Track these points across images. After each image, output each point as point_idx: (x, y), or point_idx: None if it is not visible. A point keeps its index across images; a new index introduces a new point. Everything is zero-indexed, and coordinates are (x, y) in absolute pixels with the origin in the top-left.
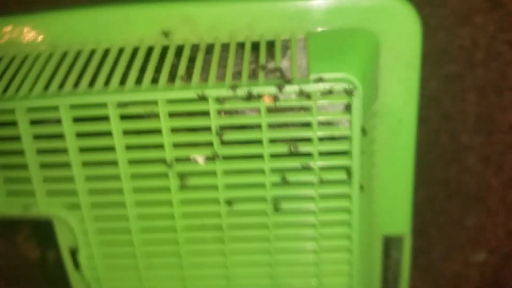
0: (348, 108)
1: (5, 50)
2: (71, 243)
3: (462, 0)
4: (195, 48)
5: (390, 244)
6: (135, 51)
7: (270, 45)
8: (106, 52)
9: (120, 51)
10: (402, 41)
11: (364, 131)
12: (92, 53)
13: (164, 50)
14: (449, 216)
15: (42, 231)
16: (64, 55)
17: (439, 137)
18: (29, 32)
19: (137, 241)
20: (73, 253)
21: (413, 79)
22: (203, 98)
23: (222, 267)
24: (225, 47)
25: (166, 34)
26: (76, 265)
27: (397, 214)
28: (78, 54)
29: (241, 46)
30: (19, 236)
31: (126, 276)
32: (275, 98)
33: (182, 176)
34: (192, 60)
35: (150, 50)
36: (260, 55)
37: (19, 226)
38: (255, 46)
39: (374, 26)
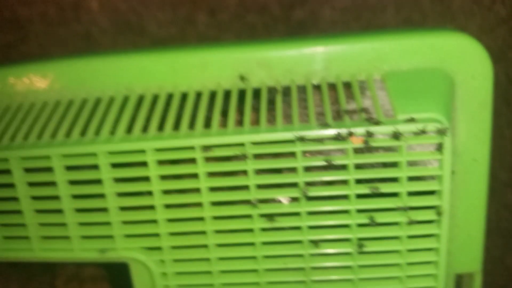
0: (439, 148)
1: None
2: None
3: (496, 36)
4: (272, 90)
5: (461, 282)
6: (213, 95)
7: (347, 86)
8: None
9: (198, 95)
10: (476, 81)
11: (453, 171)
12: (170, 97)
13: (242, 93)
14: (489, 253)
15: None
16: (140, 99)
17: None
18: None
19: (217, 285)
20: None
21: (486, 117)
22: (288, 140)
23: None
24: (302, 89)
25: (242, 78)
26: None
27: (470, 253)
28: (155, 99)
29: (317, 87)
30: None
31: None
32: (366, 138)
33: (267, 216)
34: (271, 103)
35: (228, 94)
36: (339, 95)
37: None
38: (332, 87)
39: (448, 67)
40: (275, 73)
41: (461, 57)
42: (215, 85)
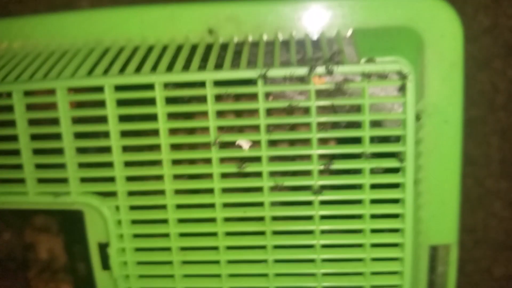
0: (401, 90)
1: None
2: (100, 237)
3: (481, 46)
4: (240, 44)
5: (436, 255)
6: (179, 48)
7: (315, 42)
8: (150, 49)
9: (165, 48)
10: (445, 41)
11: (418, 117)
12: (136, 49)
13: (209, 47)
14: (477, 264)
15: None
16: (107, 50)
17: (463, 182)
18: (75, 29)
19: (174, 234)
20: (102, 248)
21: (457, 78)
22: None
23: (264, 267)
24: (270, 44)
25: (211, 32)
26: (104, 261)
27: (444, 222)
28: (121, 49)
29: (285, 43)
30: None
31: (158, 273)
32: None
33: (227, 161)
34: (238, 53)
35: (195, 47)
36: (306, 46)
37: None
38: (300, 43)
39: (417, 26)
40: (244, 28)
41: (430, 16)
42: (183, 39)
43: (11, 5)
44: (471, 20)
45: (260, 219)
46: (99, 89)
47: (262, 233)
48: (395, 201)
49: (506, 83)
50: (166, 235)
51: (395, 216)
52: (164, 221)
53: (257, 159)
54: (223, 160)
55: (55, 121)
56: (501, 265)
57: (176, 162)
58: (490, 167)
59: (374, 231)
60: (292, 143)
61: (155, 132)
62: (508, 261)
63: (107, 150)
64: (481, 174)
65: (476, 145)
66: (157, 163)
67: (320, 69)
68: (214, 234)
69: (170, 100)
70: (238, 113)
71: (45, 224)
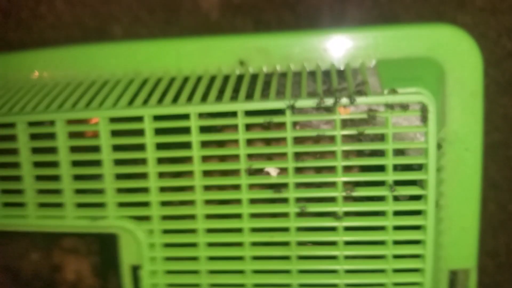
0: (423, 120)
1: (91, 73)
2: (133, 260)
3: (504, 70)
4: (269, 75)
5: (456, 279)
6: (213, 79)
7: (341, 72)
8: (186, 79)
9: (199, 79)
10: (465, 70)
11: (439, 146)
12: (172, 80)
13: (240, 77)
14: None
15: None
16: (146, 81)
17: (486, 206)
18: (114, 60)
19: (203, 257)
20: (134, 271)
21: (478, 107)
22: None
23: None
24: (297, 75)
25: (242, 63)
26: (136, 283)
27: (464, 247)
28: (159, 80)
29: (312, 73)
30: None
31: None
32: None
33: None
34: (267, 83)
35: (227, 78)
36: (332, 76)
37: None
38: (326, 73)
39: (438, 56)
40: (272, 59)
41: (450, 47)
42: (216, 70)
43: (46, 30)
44: (494, 44)
45: (286, 244)
46: (139, 119)
47: (287, 257)
48: (417, 227)
49: None
50: (195, 258)
51: (416, 242)
52: (194, 245)
53: (284, 185)
54: (252, 186)
55: (96, 149)
56: None
57: (207, 188)
58: None
59: (396, 256)
60: (318, 170)
61: (188, 159)
62: None
63: (143, 176)
64: (504, 198)
65: (499, 169)
66: (189, 188)
67: (345, 100)
68: (241, 258)
69: (203, 129)
70: (267, 141)
71: (73, 246)
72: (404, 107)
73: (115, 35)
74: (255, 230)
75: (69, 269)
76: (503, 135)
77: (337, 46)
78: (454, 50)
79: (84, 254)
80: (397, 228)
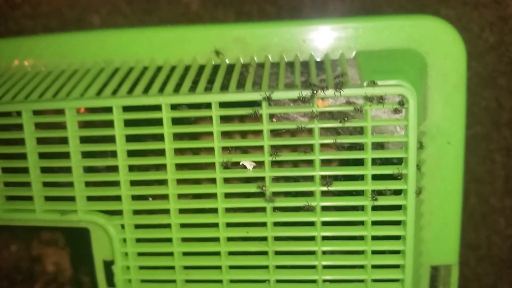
0: (402, 114)
1: (61, 62)
2: (106, 255)
3: (486, 63)
4: (246, 65)
5: (437, 275)
6: (187, 69)
7: (320, 64)
8: (159, 69)
9: (173, 68)
10: (448, 62)
11: (420, 145)
12: (145, 69)
13: (216, 68)
14: (480, 282)
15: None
16: (116, 70)
17: (467, 199)
18: (84, 48)
19: (178, 253)
20: (107, 266)
21: (460, 100)
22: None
23: (266, 287)
24: (275, 66)
25: (218, 53)
26: (109, 278)
27: (445, 242)
28: (130, 70)
29: (290, 64)
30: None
31: None
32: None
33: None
34: (244, 74)
35: (202, 68)
36: (311, 69)
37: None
38: (305, 64)
39: (420, 48)
40: (249, 49)
41: (433, 38)
42: (191, 60)
43: (23, 20)
44: (477, 37)
45: (263, 239)
46: (108, 110)
47: (264, 253)
48: (397, 222)
49: (511, 100)
50: (169, 254)
51: (396, 237)
52: (168, 240)
53: (261, 179)
54: (227, 180)
55: (63, 140)
56: (505, 283)
57: (180, 181)
58: (494, 185)
59: (375, 252)
60: (296, 164)
61: (161, 152)
62: None
63: (113, 169)
64: (485, 191)
65: (480, 162)
66: (162, 182)
67: (323, 92)
68: (217, 254)
69: (176, 120)
70: (243, 134)
71: (52, 238)
72: (381, 99)
73: (94, 25)
74: (230, 224)
75: (49, 261)
76: (484, 128)
77: (317, 37)
78: (437, 42)
79: (62, 245)
80: (376, 223)
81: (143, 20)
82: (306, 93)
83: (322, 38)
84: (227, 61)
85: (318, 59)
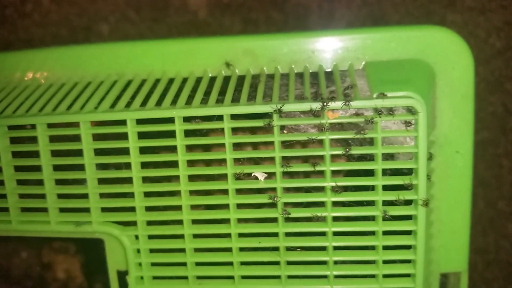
0: (412, 125)
1: (73, 75)
2: (119, 265)
3: (493, 68)
4: (256, 76)
5: (447, 283)
6: (198, 81)
7: (329, 74)
8: (171, 81)
9: (184, 80)
10: (456, 72)
11: (429, 157)
12: (157, 81)
13: (227, 79)
14: (488, 286)
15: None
16: (129, 83)
17: (475, 204)
18: (97, 61)
19: (191, 263)
20: (121, 276)
21: (468, 110)
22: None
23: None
24: (285, 77)
25: (228, 65)
26: None
27: (455, 250)
28: (143, 82)
29: (300, 75)
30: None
31: None
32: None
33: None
34: (254, 86)
35: (213, 80)
36: (320, 80)
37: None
38: (314, 75)
39: (428, 58)
40: (259, 61)
41: (441, 48)
42: (202, 72)
43: (32, 29)
44: (483, 43)
45: (275, 249)
46: (122, 122)
47: (276, 263)
48: (407, 232)
49: None
50: (183, 264)
51: (407, 247)
52: (182, 251)
53: (272, 190)
54: (239, 191)
55: (77, 152)
56: None
57: (193, 192)
58: (501, 189)
59: (386, 262)
60: (307, 175)
61: (173, 164)
62: None
63: (127, 181)
64: (493, 196)
65: (487, 167)
66: (175, 193)
67: (333, 104)
68: (229, 264)
69: (188, 132)
70: (254, 145)
71: (63, 245)
72: (391, 111)
73: (103, 34)
74: (243, 235)
75: (59, 268)
76: (492, 133)
77: (326, 48)
78: (445, 52)
79: (72, 253)
80: (387, 233)
81: (151, 28)
82: (316, 105)
83: (331, 49)
84: (238, 73)
85: (327, 70)
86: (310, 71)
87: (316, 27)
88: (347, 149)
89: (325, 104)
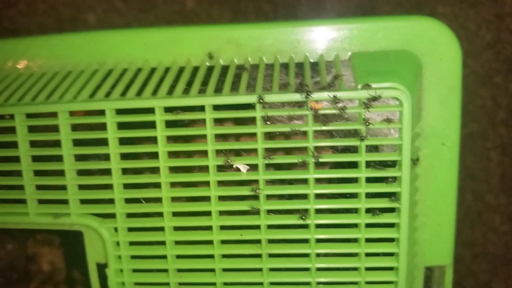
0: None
1: (55, 64)
2: (99, 258)
3: (482, 61)
4: (240, 67)
5: (432, 276)
6: (181, 70)
7: (314, 65)
8: (153, 71)
9: (167, 70)
10: (444, 64)
11: (414, 162)
12: (138, 71)
13: (210, 69)
14: (476, 279)
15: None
16: (109, 72)
17: (463, 196)
18: (78, 50)
19: (171, 256)
20: (100, 268)
21: (456, 101)
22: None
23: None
24: (270, 66)
25: (211, 55)
26: (103, 281)
27: (440, 244)
28: (124, 72)
29: (285, 66)
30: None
31: None
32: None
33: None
34: (238, 76)
35: (196, 69)
36: (305, 70)
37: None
38: (299, 66)
39: (415, 49)
40: (243, 51)
41: (428, 39)
42: (185, 62)
43: (18, 18)
44: (473, 35)
45: (256, 241)
46: (101, 112)
47: (258, 255)
48: (391, 225)
49: (507, 98)
50: (163, 257)
51: (390, 240)
52: (162, 243)
53: (255, 182)
54: (220, 183)
55: (56, 143)
56: (500, 280)
57: (174, 184)
58: (490, 182)
59: (369, 254)
60: (290, 166)
61: (154, 155)
62: (507, 275)
63: (106, 172)
64: (481, 188)
65: (476, 160)
66: (155, 185)
67: (318, 95)
68: (211, 256)
69: (169, 123)
70: (237, 136)
71: (47, 237)
72: (374, 100)
73: (89, 24)
74: (224, 227)
75: (44, 260)
76: (480, 126)
77: (312, 38)
78: (432, 43)
79: (57, 245)
80: (370, 225)
81: (138, 18)
82: (300, 96)
83: (317, 39)
84: (221, 63)
85: (312, 61)
86: (296, 61)
87: (306, 17)
88: (331, 141)
89: (309, 94)
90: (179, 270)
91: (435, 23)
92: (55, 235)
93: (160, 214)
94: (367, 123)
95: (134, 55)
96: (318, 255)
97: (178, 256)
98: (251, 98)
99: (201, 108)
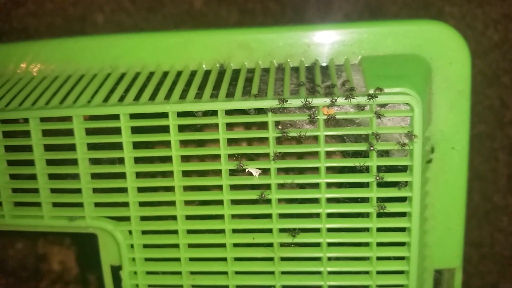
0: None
1: (67, 67)
2: (113, 260)
3: (490, 61)
4: (252, 70)
5: (441, 279)
6: (193, 74)
7: (324, 69)
8: (165, 74)
9: (179, 74)
10: (453, 68)
11: (428, 161)
12: (151, 75)
13: (222, 73)
14: (483, 279)
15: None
16: (122, 76)
17: (471, 197)
18: (90, 53)
19: (184, 259)
20: (114, 270)
21: (465, 105)
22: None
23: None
24: (281, 70)
25: (222, 65)
26: (117, 283)
27: (449, 247)
28: (136, 75)
29: (295, 69)
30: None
31: None
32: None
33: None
34: (249, 80)
35: (208, 73)
36: (316, 74)
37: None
38: (310, 69)
39: (425, 53)
40: (255, 55)
41: (438, 43)
42: (197, 66)
43: (27, 18)
44: (481, 35)
45: (268, 245)
46: (115, 116)
47: (270, 259)
48: (401, 229)
49: None
50: (176, 259)
51: (401, 244)
52: (175, 246)
53: (267, 186)
54: (233, 187)
55: (71, 147)
56: (508, 280)
57: (187, 188)
58: (497, 183)
59: (380, 258)
60: (301, 170)
61: (167, 159)
62: None
63: (121, 176)
64: (488, 189)
65: (484, 160)
66: (169, 188)
67: (329, 100)
68: (224, 259)
69: (182, 127)
70: (249, 141)
71: (57, 237)
72: (383, 106)
73: (98, 23)
74: (236, 231)
75: (54, 259)
76: (488, 126)
77: (322, 42)
78: (442, 47)
79: (67, 245)
80: (381, 230)
81: (147, 18)
82: (312, 100)
83: (327, 43)
84: (233, 66)
85: (322, 64)
86: (306, 65)
87: (314, 18)
88: (342, 146)
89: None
90: (192, 273)
91: (444, 27)
92: (66, 235)
93: (173, 217)
94: (377, 136)
95: (146, 59)
96: (329, 258)
97: (191, 259)
98: (264, 103)
99: (214, 113)
